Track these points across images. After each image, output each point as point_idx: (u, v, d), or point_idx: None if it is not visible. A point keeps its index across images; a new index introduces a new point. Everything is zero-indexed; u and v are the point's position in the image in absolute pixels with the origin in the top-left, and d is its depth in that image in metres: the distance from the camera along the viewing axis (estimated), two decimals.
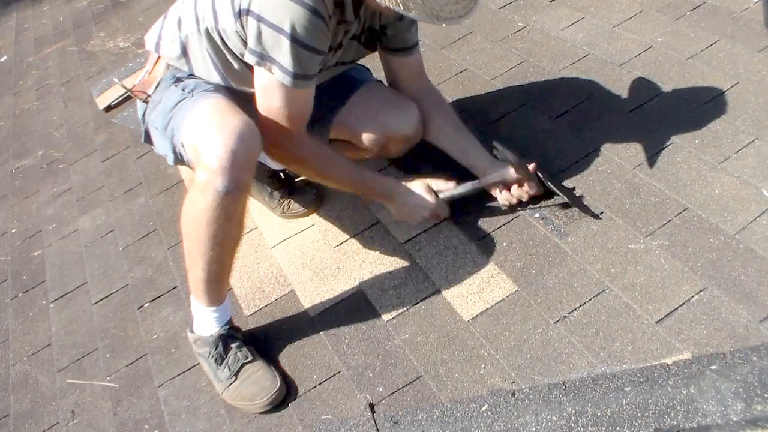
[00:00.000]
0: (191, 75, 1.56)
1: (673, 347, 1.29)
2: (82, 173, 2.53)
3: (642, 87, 1.90)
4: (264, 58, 1.38)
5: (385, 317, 1.54)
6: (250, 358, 1.48)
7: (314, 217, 1.88)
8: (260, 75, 1.43)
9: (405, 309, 1.55)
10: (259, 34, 1.35)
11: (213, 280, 1.43)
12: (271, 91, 1.43)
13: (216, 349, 1.48)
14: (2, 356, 1.88)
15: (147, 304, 1.83)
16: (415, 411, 1.33)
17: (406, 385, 1.40)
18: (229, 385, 1.47)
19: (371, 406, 1.38)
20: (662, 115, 1.79)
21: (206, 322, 1.50)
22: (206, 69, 1.54)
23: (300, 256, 1.78)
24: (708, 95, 1.80)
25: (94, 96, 2.99)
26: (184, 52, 1.54)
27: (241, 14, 1.37)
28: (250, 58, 1.40)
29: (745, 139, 1.64)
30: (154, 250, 2.01)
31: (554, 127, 1.87)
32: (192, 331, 1.53)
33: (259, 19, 1.34)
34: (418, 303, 1.55)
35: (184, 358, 1.63)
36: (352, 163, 1.63)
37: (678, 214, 1.53)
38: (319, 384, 1.46)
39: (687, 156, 1.65)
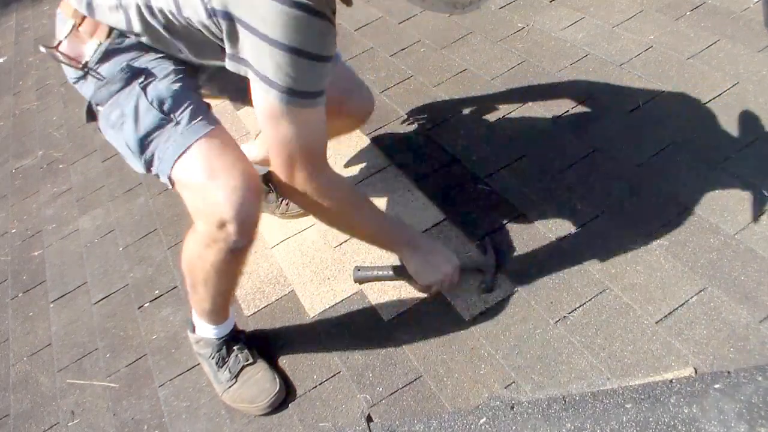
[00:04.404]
0: (140, 45, 1.28)
1: (673, 347, 1.29)
2: (82, 173, 2.53)
3: (642, 87, 1.90)
4: (256, 74, 1.13)
5: (385, 317, 1.54)
6: (250, 360, 1.48)
7: (314, 217, 1.87)
8: (258, 95, 1.16)
9: (405, 309, 1.54)
10: (245, 44, 1.11)
11: (219, 308, 1.43)
12: (273, 117, 1.17)
13: (219, 351, 1.48)
14: (2, 356, 1.88)
15: (147, 304, 1.83)
16: (412, 422, 1.32)
17: (406, 385, 1.40)
18: (229, 387, 1.47)
19: (368, 418, 1.37)
20: (662, 115, 1.79)
21: (209, 332, 1.49)
22: (161, 44, 1.29)
23: (300, 256, 1.78)
24: (708, 95, 1.79)
25: None
26: (129, 23, 1.25)
27: (215, 14, 1.12)
28: (234, 66, 1.17)
29: (745, 139, 1.64)
30: (154, 250, 2.01)
31: (554, 127, 1.87)
32: (193, 332, 1.53)
33: (243, 25, 1.09)
34: (418, 303, 1.55)
35: (185, 358, 1.63)
36: (379, 209, 1.47)
37: (678, 214, 1.53)
38: (319, 384, 1.46)
39: (687, 156, 1.65)
